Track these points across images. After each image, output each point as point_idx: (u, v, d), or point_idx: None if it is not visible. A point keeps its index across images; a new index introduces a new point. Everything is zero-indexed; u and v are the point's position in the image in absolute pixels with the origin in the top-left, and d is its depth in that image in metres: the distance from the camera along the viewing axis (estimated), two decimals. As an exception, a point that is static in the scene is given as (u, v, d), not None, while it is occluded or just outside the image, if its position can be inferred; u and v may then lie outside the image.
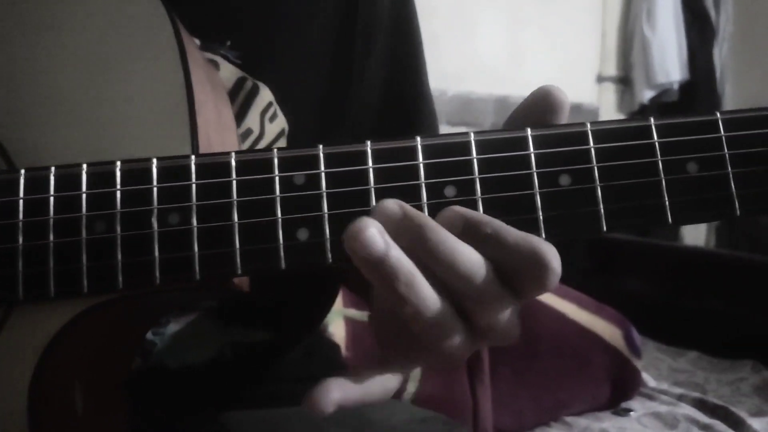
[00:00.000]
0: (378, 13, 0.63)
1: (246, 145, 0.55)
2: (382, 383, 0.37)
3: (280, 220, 0.36)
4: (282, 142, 0.58)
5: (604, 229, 0.36)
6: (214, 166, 0.36)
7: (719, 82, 2.98)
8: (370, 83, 0.64)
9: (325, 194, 0.36)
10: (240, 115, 0.55)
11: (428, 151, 0.37)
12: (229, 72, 0.55)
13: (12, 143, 0.38)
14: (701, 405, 1.26)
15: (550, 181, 0.36)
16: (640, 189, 0.36)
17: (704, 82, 2.91)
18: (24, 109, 0.39)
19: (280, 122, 0.57)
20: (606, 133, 0.37)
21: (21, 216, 0.36)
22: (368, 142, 0.37)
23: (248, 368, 0.61)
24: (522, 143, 0.36)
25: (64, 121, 0.39)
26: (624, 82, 2.92)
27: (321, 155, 0.36)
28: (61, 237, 0.36)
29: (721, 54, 2.99)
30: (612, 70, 2.90)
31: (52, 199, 0.36)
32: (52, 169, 0.36)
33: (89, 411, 0.41)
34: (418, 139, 0.37)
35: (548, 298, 1.05)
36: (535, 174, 0.36)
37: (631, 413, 1.15)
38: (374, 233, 0.32)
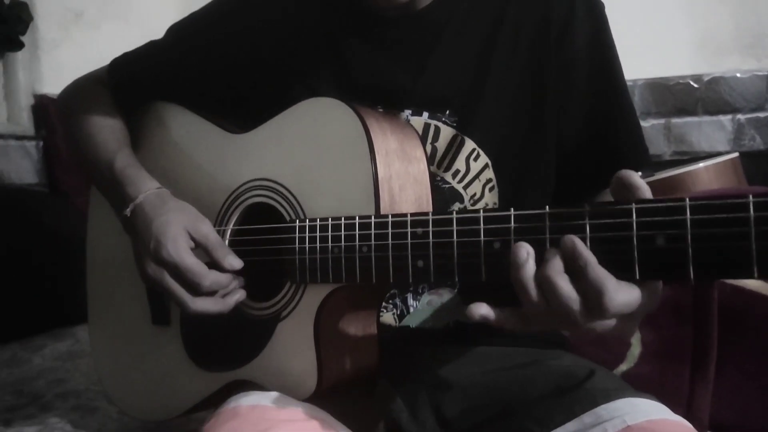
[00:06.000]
0: (572, 62, 0.83)
1: (456, 179, 0.84)
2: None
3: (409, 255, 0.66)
4: (488, 172, 0.84)
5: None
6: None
7: None
8: (572, 115, 0.84)
9: (431, 243, 0.65)
10: (451, 161, 0.84)
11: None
12: (447, 132, 0.84)
13: (296, 191, 0.77)
14: None
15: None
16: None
17: None
18: (307, 186, 0.77)
19: (483, 159, 0.84)
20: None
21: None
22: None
23: (466, 341, 0.86)
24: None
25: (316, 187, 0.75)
26: None
27: (430, 219, 0.65)
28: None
29: None
30: None
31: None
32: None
33: (349, 336, 0.78)
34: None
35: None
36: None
37: None
38: (524, 252, 0.57)
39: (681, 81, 2.01)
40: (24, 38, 2.08)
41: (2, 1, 1.98)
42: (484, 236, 0.61)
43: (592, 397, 0.72)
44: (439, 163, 0.84)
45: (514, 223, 0.60)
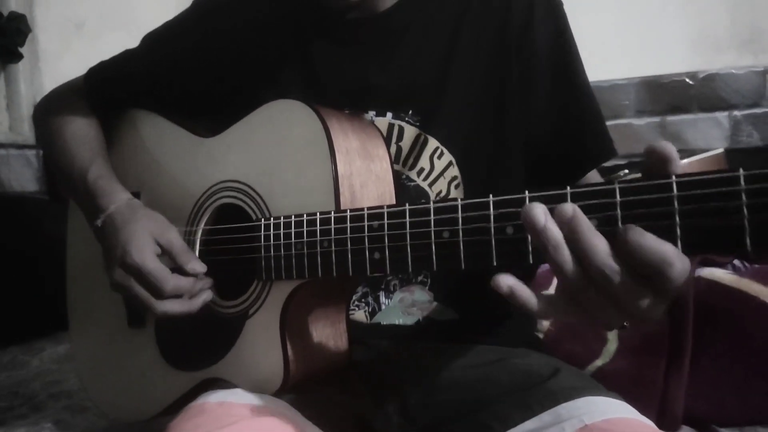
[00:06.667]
0: (534, 64, 0.84)
1: (421, 177, 0.85)
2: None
3: (366, 248, 0.67)
4: (452, 170, 0.85)
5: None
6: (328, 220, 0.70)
7: None
8: (537, 114, 0.85)
9: (386, 235, 0.66)
10: (416, 160, 0.85)
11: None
12: (410, 132, 0.85)
13: (262, 191, 0.78)
14: None
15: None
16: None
17: None
18: (272, 186, 0.78)
19: (447, 157, 0.85)
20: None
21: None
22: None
23: (435, 338, 0.87)
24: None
25: (280, 186, 0.77)
26: None
27: (385, 212, 0.66)
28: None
29: None
30: None
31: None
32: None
33: (316, 332, 0.79)
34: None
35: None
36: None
37: None
38: (540, 211, 0.47)
39: (676, 78, 2.01)
40: (25, 49, 2.12)
41: (1, 13, 2.02)
42: (434, 226, 0.62)
43: (553, 396, 0.72)
44: (404, 161, 0.85)
45: (462, 212, 0.60)
